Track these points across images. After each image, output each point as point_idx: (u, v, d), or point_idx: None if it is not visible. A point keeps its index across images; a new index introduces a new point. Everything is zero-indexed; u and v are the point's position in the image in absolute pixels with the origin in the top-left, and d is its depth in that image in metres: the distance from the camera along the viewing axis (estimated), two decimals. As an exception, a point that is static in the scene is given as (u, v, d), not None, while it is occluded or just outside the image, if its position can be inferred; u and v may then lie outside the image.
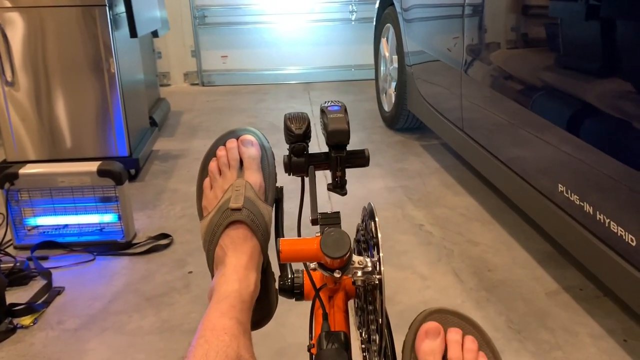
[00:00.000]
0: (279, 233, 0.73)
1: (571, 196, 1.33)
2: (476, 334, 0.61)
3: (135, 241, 1.82)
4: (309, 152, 0.67)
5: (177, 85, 4.36)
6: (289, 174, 0.68)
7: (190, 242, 1.82)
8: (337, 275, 0.59)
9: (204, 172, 0.76)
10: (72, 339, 1.36)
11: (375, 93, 3.31)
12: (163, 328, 1.39)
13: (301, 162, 0.66)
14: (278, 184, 0.75)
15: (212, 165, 0.75)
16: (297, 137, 0.65)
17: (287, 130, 0.66)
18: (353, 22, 4.27)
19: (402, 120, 2.85)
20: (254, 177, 0.71)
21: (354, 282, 0.61)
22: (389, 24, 2.92)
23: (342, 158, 0.64)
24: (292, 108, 3.58)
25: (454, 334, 0.60)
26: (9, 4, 2.08)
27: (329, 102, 0.69)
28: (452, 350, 0.59)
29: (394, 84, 2.89)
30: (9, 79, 2.15)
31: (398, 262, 1.66)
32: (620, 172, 1.15)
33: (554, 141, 1.39)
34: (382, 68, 3.13)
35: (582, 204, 1.29)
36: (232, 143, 0.74)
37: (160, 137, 2.97)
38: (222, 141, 0.76)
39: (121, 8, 2.24)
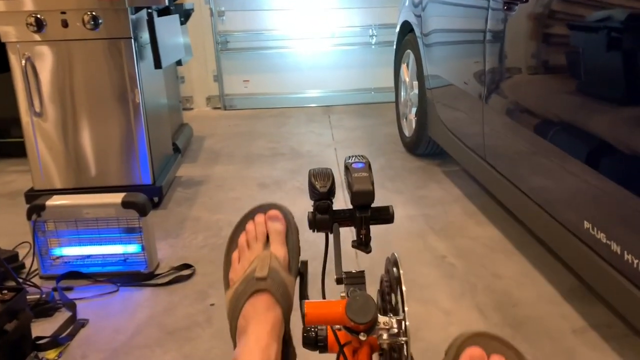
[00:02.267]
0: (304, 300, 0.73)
1: (597, 234, 1.31)
2: (511, 355, 0.59)
3: (158, 271, 1.83)
4: (334, 209, 0.68)
5: (199, 109, 4.42)
6: (314, 231, 0.68)
7: (212, 274, 1.82)
8: (362, 338, 0.59)
9: (232, 244, 0.82)
10: (96, 374, 1.37)
11: (396, 117, 3.31)
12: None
13: (325, 219, 0.67)
14: (302, 257, 0.77)
15: (241, 238, 0.80)
16: (322, 194, 0.65)
17: (312, 188, 0.66)
18: (373, 46, 4.30)
19: (423, 146, 2.84)
20: (279, 249, 0.76)
21: (379, 344, 0.61)
22: (409, 50, 2.93)
23: (366, 217, 0.65)
24: (312, 132, 3.60)
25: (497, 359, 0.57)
26: (38, 38, 2.14)
27: (352, 157, 0.70)
28: None
29: (414, 110, 2.89)
30: (38, 109, 2.21)
31: (420, 296, 1.64)
32: (648, 213, 1.13)
33: (580, 176, 1.37)
34: (402, 93, 3.14)
35: (609, 243, 1.27)
36: (260, 218, 0.80)
37: (183, 163, 3.01)
38: (251, 215, 0.81)
39: (146, 39, 2.28)
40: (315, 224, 0.67)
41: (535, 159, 1.61)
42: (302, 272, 0.77)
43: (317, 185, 0.66)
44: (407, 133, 3.06)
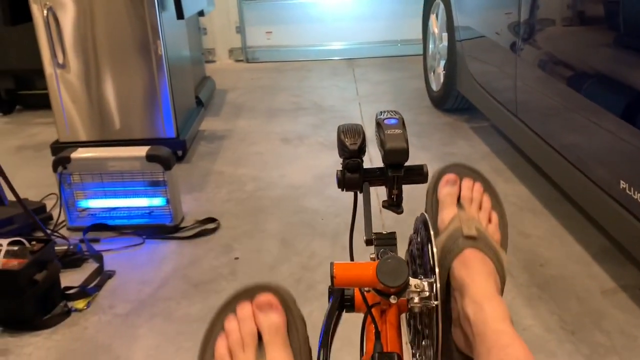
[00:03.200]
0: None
1: (635, 194, 1.26)
2: (481, 181, 0.78)
3: (182, 225, 1.84)
4: (364, 168, 0.64)
5: (222, 62, 4.36)
6: (342, 190, 0.65)
7: (236, 227, 1.83)
8: (393, 300, 0.57)
9: (206, 352, 0.56)
10: (123, 324, 1.39)
11: (423, 71, 3.22)
12: (211, 316, 1.41)
13: (355, 179, 0.64)
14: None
15: (220, 346, 0.55)
16: (352, 152, 0.62)
17: (341, 145, 0.63)
18: (400, -4, 4.15)
19: (451, 100, 2.76)
20: (280, 357, 0.53)
21: (410, 308, 0.59)
22: (438, 0, 2.81)
23: (399, 177, 0.61)
24: (336, 86, 3.53)
25: (466, 182, 0.77)
26: (59, -13, 2.10)
27: (384, 112, 0.66)
28: (464, 191, 0.75)
29: (442, 63, 2.80)
30: (61, 61, 2.19)
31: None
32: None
33: (618, 133, 1.31)
34: (430, 46, 3.03)
35: (647, 203, 1.22)
36: (245, 310, 0.56)
37: (206, 116, 2.99)
38: (231, 306, 0.57)
39: (168, -11, 2.23)
40: (344, 183, 0.64)
41: (570, 115, 1.55)
42: None
43: (347, 142, 0.62)
44: (434, 87, 2.98)
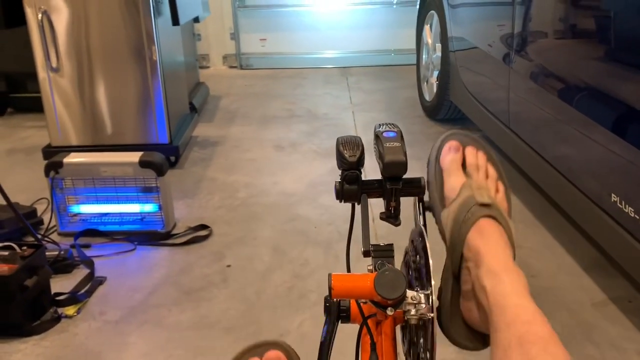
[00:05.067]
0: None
1: (625, 207, 1.27)
2: (485, 150, 0.74)
3: (174, 231, 1.84)
4: (362, 179, 0.65)
5: (215, 68, 4.36)
6: (341, 201, 0.66)
7: (229, 234, 1.82)
8: (389, 312, 0.57)
9: None
10: (113, 331, 1.38)
11: (416, 81, 3.24)
12: (201, 324, 1.40)
13: (354, 190, 0.64)
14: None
15: None
16: (351, 164, 0.62)
17: (340, 157, 0.63)
18: (394, 6, 4.18)
19: (444, 111, 2.78)
20: None
21: (406, 320, 0.59)
22: (433, 11, 2.84)
23: (397, 189, 0.62)
24: (329, 94, 3.54)
25: (470, 149, 0.73)
26: (54, -9, 2.09)
27: (383, 125, 0.67)
28: (469, 158, 0.72)
29: (436, 73, 2.82)
30: (54, 65, 2.18)
31: (439, 265, 1.62)
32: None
33: (609, 146, 1.32)
34: (424, 56, 3.06)
35: (638, 217, 1.23)
36: None
37: (199, 122, 2.98)
38: None
39: (163, -5, 2.23)
40: (342, 195, 0.64)
41: (562, 127, 1.56)
42: None
43: (346, 154, 0.62)
44: (427, 97, 2.99)
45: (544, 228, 1.83)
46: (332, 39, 4.26)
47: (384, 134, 0.63)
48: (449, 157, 0.71)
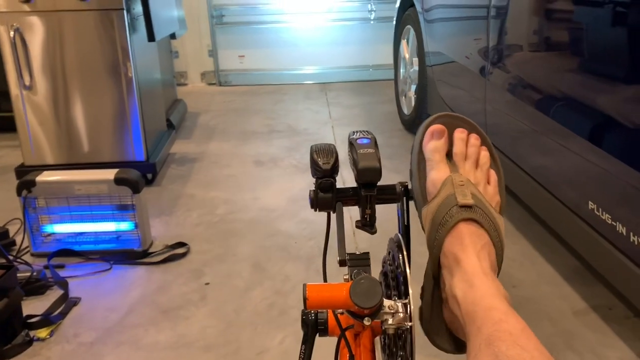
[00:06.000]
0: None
1: (602, 214, 1.28)
2: (478, 133, 0.67)
3: (151, 249, 1.80)
4: (337, 187, 0.64)
5: (194, 85, 4.35)
6: (315, 210, 0.64)
7: (207, 252, 1.79)
8: (366, 322, 0.55)
9: None
10: (88, 353, 1.34)
11: (395, 95, 3.26)
12: (179, 344, 1.37)
13: (328, 199, 0.62)
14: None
15: None
16: (325, 172, 0.61)
17: (314, 165, 0.62)
18: (372, 22, 4.22)
19: (422, 124, 2.79)
20: None
21: (384, 330, 0.58)
22: (409, 26, 2.87)
23: (372, 196, 0.61)
24: (309, 110, 3.55)
25: (459, 133, 0.66)
26: (27, 9, 2.07)
27: (357, 132, 0.66)
28: (457, 146, 0.65)
29: (413, 87, 2.84)
30: (27, 83, 2.14)
31: (419, 278, 1.61)
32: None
33: (585, 155, 1.33)
34: (401, 70, 3.08)
35: (615, 224, 1.24)
36: None
37: (177, 139, 2.95)
38: None
39: (139, 11, 2.21)
40: (317, 203, 0.63)
41: (539, 137, 1.57)
42: None
43: (320, 162, 0.61)
44: (406, 111, 3.01)
45: (524, 238, 1.83)
46: (311, 55, 4.28)
47: (358, 141, 0.62)
48: (432, 144, 0.64)
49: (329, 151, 0.62)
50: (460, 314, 0.56)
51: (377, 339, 0.73)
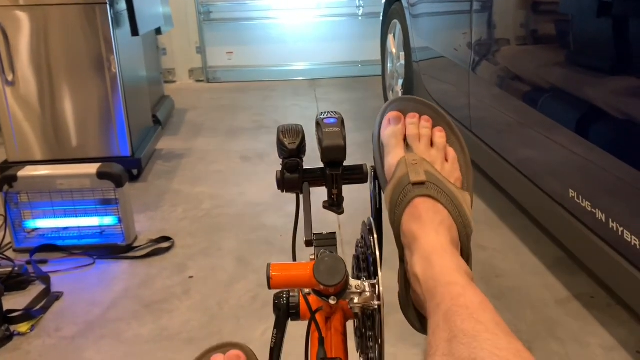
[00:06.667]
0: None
1: (583, 202, 1.28)
2: (430, 113, 0.68)
3: (136, 244, 1.79)
4: (304, 168, 0.63)
5: (182, 82, 4.33)
6: (282, 191, 0.64)
7: (192, 246, 1.78)
8: (332, 302, 0.55)
9: None
10: (69, 347, 1.33)
11: (382, 90, 3.26)
12: (162, 337, 1.36)
13: (295, 179, 0.62)
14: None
15: None
16: (291, 152, 0.61)
17: (280, 145, 0.62)
18: (360, 18, 4.22)
19: (409, 118, 2.79)
20: None
21: (351, 308, 0.57)
22: (395, 20, 2.87)
23: (338, 175, 0.60)
24: (297, 106, 3.54)
25: (410, 117, 0.67)
26: (8, 3, 2.05)
27: (325, 113, 0.65)
28: (409, 129, 0.66)
29: (401, 81, 2.84)
30: (10, 78, 2.13)
31: (396, 260, 1.61)
32: (635, 179, 1.10)
33: (566, 144, 1.34)
34: (389, 65, 3.08)
35: (594, 211, 1.24)
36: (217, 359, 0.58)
37: (164, 135, 2.94)
38: (205, 357, 0.60)
39: (123, 6, 2.20)
40: (283, 184, 0.63)
41: (522, 129, 1.58)
42: None
43: (286, 142, 0.61)
44: (393, 105, 3.01)
45: (507, 229, 1.84)
46: (299, 52, 4.28)
47: (325, 121, 0.62)
48: (388, 130, 0.66)
49: (296, 131, 0.62)
50: (421, 291, 0.55)
51: (351, 323, 0.72)
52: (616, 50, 1.19)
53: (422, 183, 0.60)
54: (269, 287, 0.55)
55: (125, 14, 2.21)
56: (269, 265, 0.55)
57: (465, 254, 0.63)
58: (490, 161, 1.81)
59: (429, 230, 0.58)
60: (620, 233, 1.16)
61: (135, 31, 2.15)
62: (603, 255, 1.23)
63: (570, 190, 1.32)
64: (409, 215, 0.60)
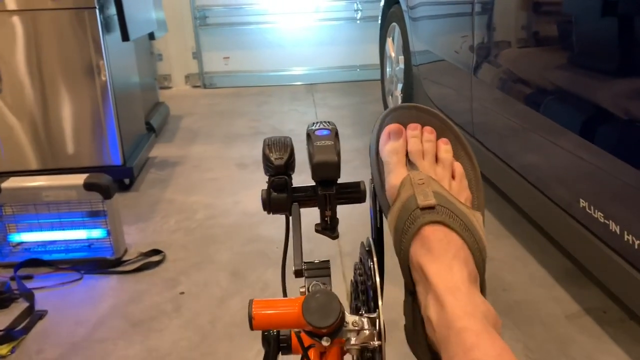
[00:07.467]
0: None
1: (595, 213, 1.21)
2: (435, 122, 0.61)
3: (125, 257, 1.71)
4: (293, 186, 0.56)
5: (178, 88, 4.26)
6: (268, 213, 0.56)
7: (184, 260, 1.71)
8: (325, 343, 0.48)
9: None
10: (51, 371, 1.25)
11: (381, 95, 3.19)
12: (150, 358, 1.28)
13: (283, 199, 0.55)
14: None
15: None
16: (277, 168, 0.53)
17: (266, 160, 0.54)
18: (358, 21, 4.15)
19: (409, 123, 2.72)
20: None
21: (347, 350, 0.50)
22: (394, 23, 2.80)
23: (331, 195, 0.53)
24: (295, 111, 3.47)
25: (411, 130, 0.60)
26: (-6, 8, 1.98)
27: (317, 123, 0.58)
28: (411, 143, 0.59)
29: (400, 86, 2.77)
30: (-4, 86, 2.05)
31: (399, 282, 1.54)
32: (652, 189, 1.03)
33: (575, 151, 1.26)
34: (388, 69, 3.01)
35: (608, 222, 1.17)
36: None
37: (158, 142, 2.87)
38: None
39: (113, 10, 2.13)
40: (270, 205, 0.55)
41: (529, 135, 1.50)
42: None
43: (272, 157, 0.53)
44: (392, 110, 2.94)
45: (514, 239, 1.76)
46: (297, 56, 4.21)
47: (316, 132, 0.55)
48: (388, 146, 0.58)
49: (284, 145, 0.55)
50: (435, 339, 0.48)
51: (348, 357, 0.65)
52: (621, 52, 1.12)
53: (431, 207, 0.52)
54: (251, 328, 0.48)
55: (116, 19, 2.14)
56: (250, 302, 0.48)
57: (480, 280, 0.55)
58: (495, 168, 1.74)
59: (442, 267, 0.50)
60: (636, 247, 1.08)
61: (125, 36, 2.08)
62: (616, 267, 1.16)
63: (581, 200, 1.25)
64: (419, 247, 0.52)
